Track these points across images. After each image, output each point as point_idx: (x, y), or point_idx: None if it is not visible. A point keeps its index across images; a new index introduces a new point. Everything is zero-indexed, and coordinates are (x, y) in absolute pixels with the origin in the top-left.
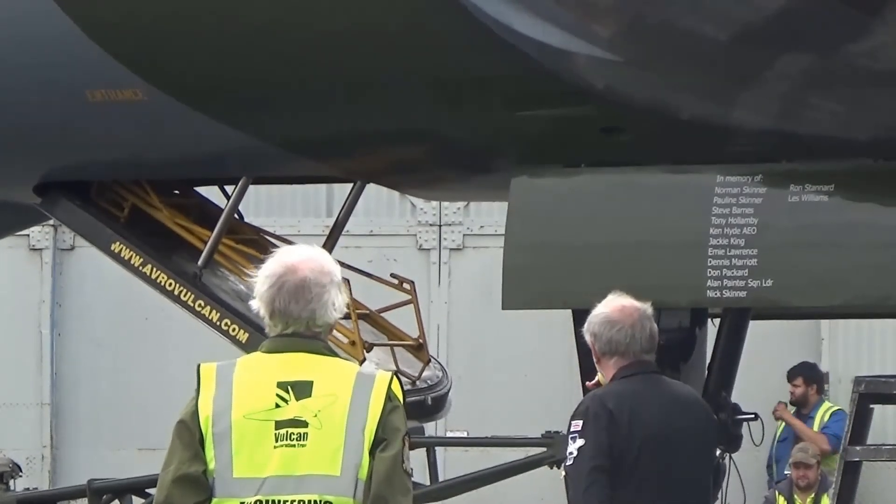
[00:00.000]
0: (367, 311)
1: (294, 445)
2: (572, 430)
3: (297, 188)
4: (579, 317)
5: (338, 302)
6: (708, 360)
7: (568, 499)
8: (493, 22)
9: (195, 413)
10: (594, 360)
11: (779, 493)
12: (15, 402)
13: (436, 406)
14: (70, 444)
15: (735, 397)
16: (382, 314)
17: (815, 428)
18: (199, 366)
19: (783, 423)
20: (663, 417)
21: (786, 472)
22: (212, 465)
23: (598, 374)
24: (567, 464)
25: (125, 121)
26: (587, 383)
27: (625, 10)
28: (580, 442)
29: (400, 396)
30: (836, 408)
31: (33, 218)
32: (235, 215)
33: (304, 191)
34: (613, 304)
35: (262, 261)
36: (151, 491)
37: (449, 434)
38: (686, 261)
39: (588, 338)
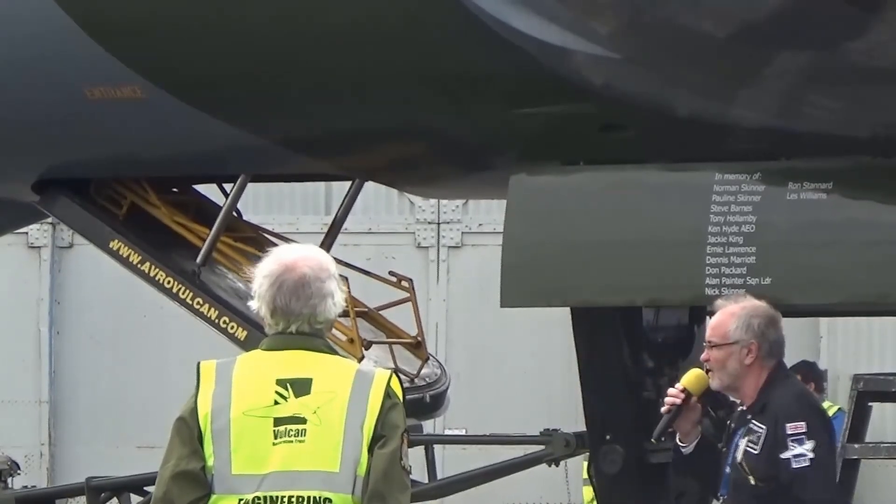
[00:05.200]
0: (366, 309)
1: (293, 442)
2: (795, 433)
3: (296, 186)
4: (578, 315)
5: (337, 297)
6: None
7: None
8: (492, 19)
9: (194, 410)
10: (744, 361)
11: None
12: (13, 400)
13: (434, 404)
14: (68, 441)
15: None
16: (381, 312)
17: None
18: (198, 363)
19: None
20: None
21: None
22: (210, 462)
23: (685, 382)
24: (804, 465)
25: (124, 118)
26: (668, 401)
27: (624, 7)
28: (810, 443)
29: (399, 394)
30: (835, 408)
31: (32, 215)
32: (234, 213)
33: (302, 188)
34: (759, 304)
35: (260, 259)
36: (150, 489)
37: (447, 432)
38: (684, 258)
39: (749, 337)
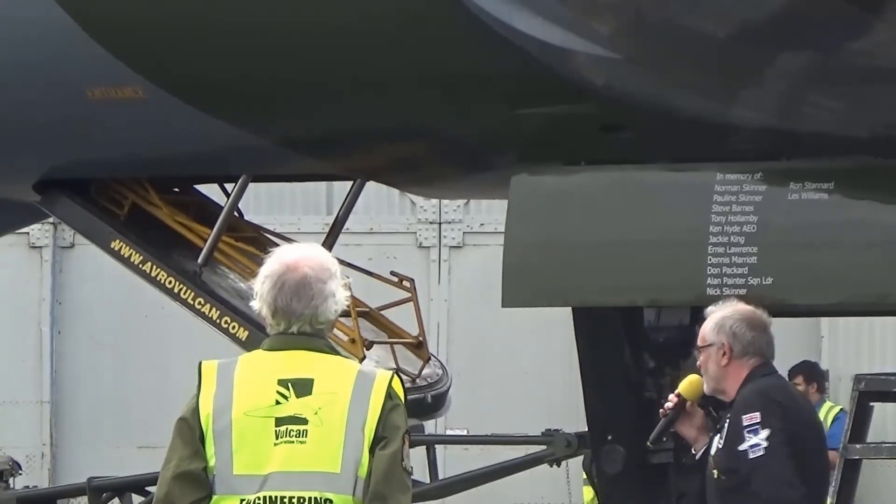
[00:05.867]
0: (367, 309)
1: (294, 443)
2: (750, 423)
3: (297, 186)
4: (579, 315)
5: (338, 297)
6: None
7: (758, 487)
8: (493, 19)
9: (196, 410)
10: (720, 362)
11: None
12: (15, 400)
13: (435, 404)
14: (70, 441)
15: None
16: (382, 312)
17: None
18: (200, 363)
19: None
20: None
21: None
22: (212, 463)
23: (681, 388)
24: (759, 455)
25: (125, 118)
26: (666, 406)
27: (625, 8)
28: (765, 432)
29: (401, 395)
30: (837, 408)
31: (33, 216)
32: (235, 213)
33: (303, 188)
34: (742, 307)
35: (261, 259)
36: (151, 489)
37: (449, 432)
38: (686, 259)
39: (722, 338)
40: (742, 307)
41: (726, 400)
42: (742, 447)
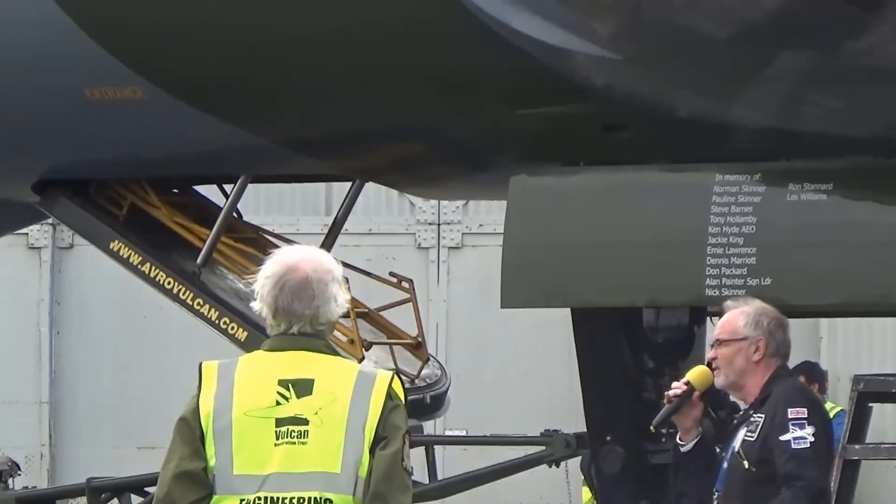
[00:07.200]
0: (366, 310)
1: (294, 443)
2: (797, 417)
3: (296, 187)
4: (578, 315)
5: (339, 299)
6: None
7: (804, 480)
8: (492, 19)
9: (196, 410)
10: (751, 358)
11: None
12: (14, 401)
13: (435, 404)
14: (69, 442)
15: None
16: (381, 313)
17: None
18: (200, 364)
19: None
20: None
21: None
22: (212, 462)
23: (689, 376)
24: (804, 447)
25: (124, 119)
26: (669, 393)
27: (624, 7)
28: (811, 428)
29: (401, 395)
30: (837, 409)
31: (32, 216)
32: (234, 214)
33: (302, 189)
34: (766, 306)
35: (261, 259)
36: (150, 489)
37: (448, 433)
38: (685, 259)
39: (758, 334)
40: (768, 306)
41: (739, 397)
42: (785, 437)
